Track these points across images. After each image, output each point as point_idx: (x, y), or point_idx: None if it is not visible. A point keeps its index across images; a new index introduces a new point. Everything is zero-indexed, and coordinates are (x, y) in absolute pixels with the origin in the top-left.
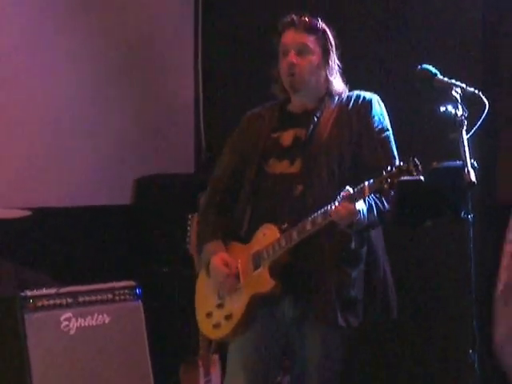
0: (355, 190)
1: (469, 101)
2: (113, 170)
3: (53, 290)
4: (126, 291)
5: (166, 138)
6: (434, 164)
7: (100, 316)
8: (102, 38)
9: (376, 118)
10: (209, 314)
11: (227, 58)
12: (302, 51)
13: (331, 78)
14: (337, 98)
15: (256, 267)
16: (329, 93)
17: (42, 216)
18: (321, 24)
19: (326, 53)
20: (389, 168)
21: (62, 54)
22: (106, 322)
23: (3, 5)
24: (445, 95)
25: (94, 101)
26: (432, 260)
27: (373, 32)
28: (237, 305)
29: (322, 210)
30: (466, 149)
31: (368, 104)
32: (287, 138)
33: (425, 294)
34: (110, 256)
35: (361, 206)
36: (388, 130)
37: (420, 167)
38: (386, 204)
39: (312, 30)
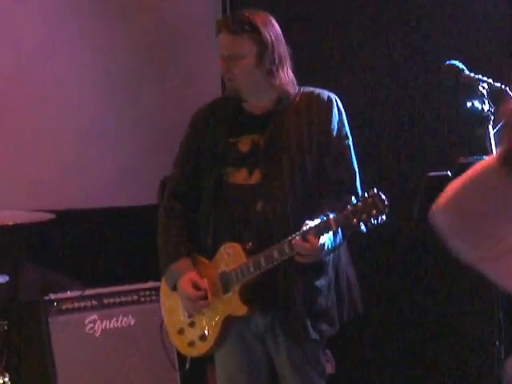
0: (321, 222)
1: (495, 96)
2: (138, 171)
3: (77, 293)
4: (152, 292)
5: None
6: (461, 159)
7: (125, 318)
8: (126, 39)
9: (336, 124)
10: (181, 331)
11: None
12: (234, 56)
13: (272, 76)
14: (295, 95)
15: (225, 290)
16: (283, 91)
17: (67, 218)
18: (253, 21)
19: (262, 48)
20: (354, 200)
21: (85, 56)
22: (132, 323)
23: (23, 10)
24: (471, 91)
25: (118, 102)
26: None
27: (399, 26)
28: (210, 326)
29: (288, 239)
30: (493, 144)
31: (328, 107)
32: (245, 143)
33: (450, 286)
34: (135, 257)
35: (324, 239)
36: (348, 137)
37: (386, 202)
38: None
39: (240, 28)
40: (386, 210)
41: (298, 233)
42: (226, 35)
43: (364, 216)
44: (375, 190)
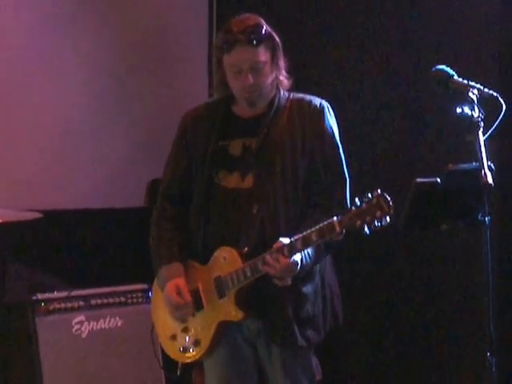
0: (324, 224)
1: (486, 102)
2: (126, 172)
3: (65, 293)
4: (139, 294)
5: None
6: (451, 166)
7: (112, 319)
8: (112, 37)
9: (328, 130)
10: (173, 337)
11: None
12: (256, 68)
13: (281, 78)
14: (285, 100)
15: (220, 295)
16: (277, 92)
17: (54, 218)
18: (264, 28)
19: (274, 55)
20: (357, 202)
21: (72, 55)
22: (119, 325)
23: (11, 5)
24: (461, 96)
25: (105, 102)
26: (449, 262)
27: (388, 32)
28: (204, 330)
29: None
30: (483, 150)
31: (320, 113)
32: (236, 147)
33: (442, 296)
34: (123, 258)
35: (298, 257)
36: (339, 146)
37: (391, 202)
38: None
39: (259, 39)
40: (391, 212)
41: (273, 248)
42: (245, 48)
43: (368, 218)
44: (379, 191)
